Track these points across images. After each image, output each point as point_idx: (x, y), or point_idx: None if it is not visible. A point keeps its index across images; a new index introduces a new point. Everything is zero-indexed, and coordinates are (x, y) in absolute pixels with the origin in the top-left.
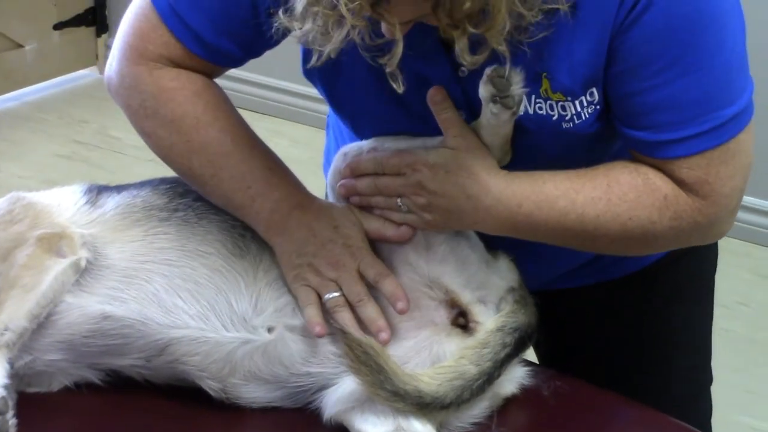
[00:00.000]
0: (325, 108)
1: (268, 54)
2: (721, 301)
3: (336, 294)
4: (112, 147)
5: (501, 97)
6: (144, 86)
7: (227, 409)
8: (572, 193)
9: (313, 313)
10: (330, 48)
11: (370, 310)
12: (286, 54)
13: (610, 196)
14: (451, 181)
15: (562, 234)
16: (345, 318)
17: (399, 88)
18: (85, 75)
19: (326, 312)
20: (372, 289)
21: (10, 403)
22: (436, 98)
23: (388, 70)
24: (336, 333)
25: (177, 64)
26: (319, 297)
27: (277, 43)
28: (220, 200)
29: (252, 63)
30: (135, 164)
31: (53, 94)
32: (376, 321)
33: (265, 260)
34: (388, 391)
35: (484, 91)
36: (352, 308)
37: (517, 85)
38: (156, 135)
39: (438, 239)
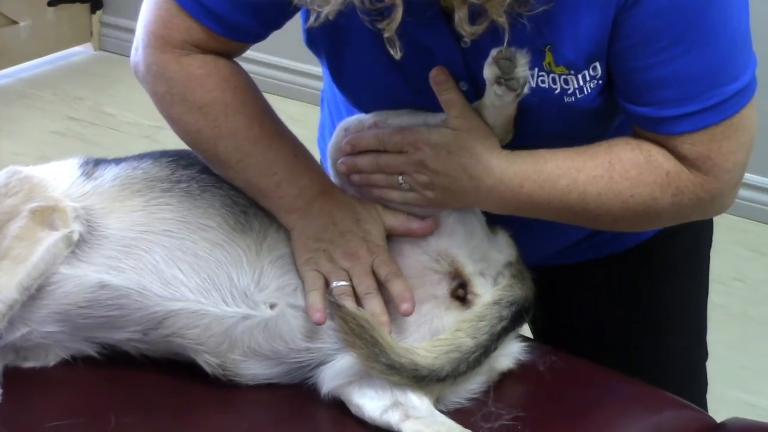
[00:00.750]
0: (320, 84)
1: None
2: (717, 277)
3: (344, 283)
4: (106, 123)
5: (506, 79)
6: (172, 73)
7: (223, 384)
8: (574, 171)
9: (317, 299)
10: (328, 9)
11: (375, 304)
12: (281, 30)
13: (612, 174)
14: (453, 161)
15: (563, 212)
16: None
17: (396, 54)
18: (79, 52)
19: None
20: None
21: None
22: (438, 78)
23: (386, 35)
24: (332, 307)
25: (202, 48)
26: (326, 285)
27: (293, 12)
28: (244, 184)
29: None
30: (130, 141)
31: (48, 71)
32: (380, 316)
33: (270, 237)
34: (384, 364)
35: (488, 72)
36: (357, 300)
37: (522, 68)
38: (183, 121)
39: (447, 210)
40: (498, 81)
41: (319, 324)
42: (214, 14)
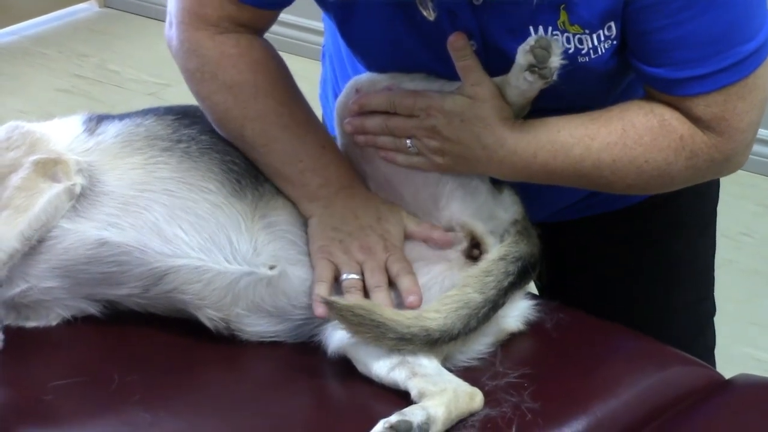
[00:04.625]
0: (320, 39)
1: None
2: (726, 232)
3: (355, 276)
4: (112, 81)
5: (539, 68)
6: (204, 51)
7: (227, 343)
8: (587, 140)
9: (323, 292)
10: None
11: (382, 298)
12: None
13: (625, 141)
14: (466, 129)
15: (577, 180)
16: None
17: (430, 15)
18: (84, 8)
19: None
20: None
21: None
22: (456, 44)
23: None
24: (326, 305)
25: (236, 23)
26: (335, 278)
27: None
28: (267, 169)
29: None
30: (135, 98)
31: (53, 28)
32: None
33: (260, 207)
34: (393, 339)
35: (522, 59)
36: (366, 295)
37: (557, 57)
38: (211, 99)
39: (445, 178)
40: (531, 69)
41: (319, 317)
42: None
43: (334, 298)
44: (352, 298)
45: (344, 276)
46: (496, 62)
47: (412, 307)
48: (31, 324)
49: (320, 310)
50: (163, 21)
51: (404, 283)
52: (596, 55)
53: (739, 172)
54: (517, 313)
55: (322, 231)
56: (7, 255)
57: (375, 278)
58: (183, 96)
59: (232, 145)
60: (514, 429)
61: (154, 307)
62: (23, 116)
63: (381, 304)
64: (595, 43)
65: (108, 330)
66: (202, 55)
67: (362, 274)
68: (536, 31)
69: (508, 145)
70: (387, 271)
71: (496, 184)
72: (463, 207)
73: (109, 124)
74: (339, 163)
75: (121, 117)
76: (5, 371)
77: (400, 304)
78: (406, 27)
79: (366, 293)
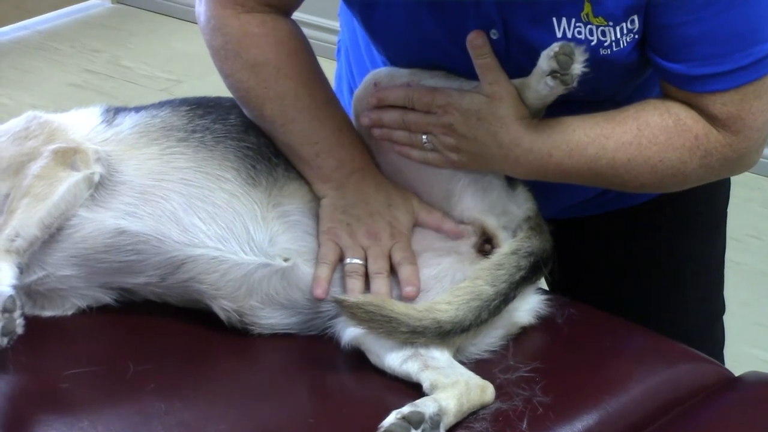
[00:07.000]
0: (334, 38)
1: None
2: (733, 234)
3: (359, 261)
4: (123, 76)
5: (561, 74)
6: (229, 29)
7: (241, 334)
8: (602, 139)
9: (324, 273)
10: None
11: (382, 285)
12: None
13: (640, 140)
14: (483, 128)
15: (592, 179)
16: (355, 285)
17: None
18: (97, 4)
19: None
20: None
21: (18, 303)
22: (475, 42)
23: None
24: (334, 303)
25: (262, 2)
26: (339, 260)
27: None
28: (285, 149)
29: None
30: (147, 94)
31: (65, 24)
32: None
33: (274, 195)
34: (406, 332)
35: (545, 65)
36: (367, 280)
37: (579, 65)
38: (234, 77)
39: (458, 174)
40: (553, 75)
41: (318, 298)
42: None
43: (344, 297)
44: (362, 296)
45: (348, 260)
46: (518, 52)
47: (408, 298)
48: (46, 313)
49: (319, 291)
50: (175, 18)
51: (405, 272)
52: (618, 48)
53: (747, 174)
54: (528, 306)
55: (331, 212)
56: (27, 242)
57: (377, 265)
58: (194, 92)
59: (245, 132)
60: (525, 422)
61: (170, 296)
62: (35, 110)
63: (380, 292)
64: (618, 35)
65: (123, 320)
66: (226, 33)
67: (366, 259)
68: (559, 23)
69: (523, 144)
70: (391, 258)
71: (510, 181)
72: (476, 202)
73: (126, 116)
74: (354, 146)
75: (138, 109)
76: (22, 360)
77: (398, 295)
78: (429, 15)
79: (368, 279)
